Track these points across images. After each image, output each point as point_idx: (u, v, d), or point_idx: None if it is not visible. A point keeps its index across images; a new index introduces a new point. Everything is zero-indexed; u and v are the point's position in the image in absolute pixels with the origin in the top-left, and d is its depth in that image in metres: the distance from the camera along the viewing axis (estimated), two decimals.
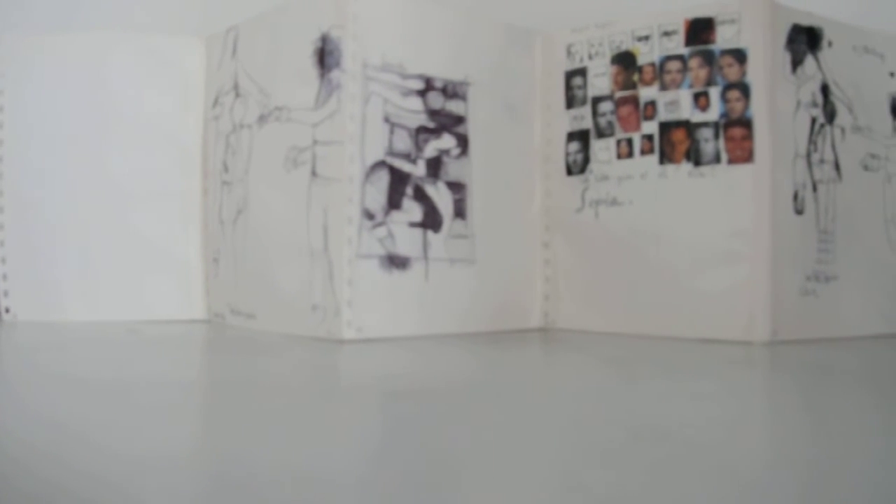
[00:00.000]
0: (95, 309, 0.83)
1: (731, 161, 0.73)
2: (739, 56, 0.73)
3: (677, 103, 0.76)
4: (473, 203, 0.79)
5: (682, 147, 0.76)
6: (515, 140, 0.83)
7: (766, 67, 0.73)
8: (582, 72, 0.82)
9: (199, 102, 0.86)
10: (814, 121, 0.77)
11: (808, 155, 0.76)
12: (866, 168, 0.81)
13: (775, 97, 0.73)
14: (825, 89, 0.77)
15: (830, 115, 0.78)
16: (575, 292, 0.82)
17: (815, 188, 0.76)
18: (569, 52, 0.83)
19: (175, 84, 0.86)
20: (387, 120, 0.73)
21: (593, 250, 0.81)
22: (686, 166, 0.75)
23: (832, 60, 0.78)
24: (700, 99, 0.75)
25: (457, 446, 0.36)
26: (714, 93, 0.74)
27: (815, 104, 0.77)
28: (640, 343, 0.74)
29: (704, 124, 0.74)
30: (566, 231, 0.83)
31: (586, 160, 0.81)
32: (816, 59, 0.77)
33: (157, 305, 0.85)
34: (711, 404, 0.47)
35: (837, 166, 0.78)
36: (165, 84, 0.85)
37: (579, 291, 0.82)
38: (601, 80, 0.80)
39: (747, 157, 0.73)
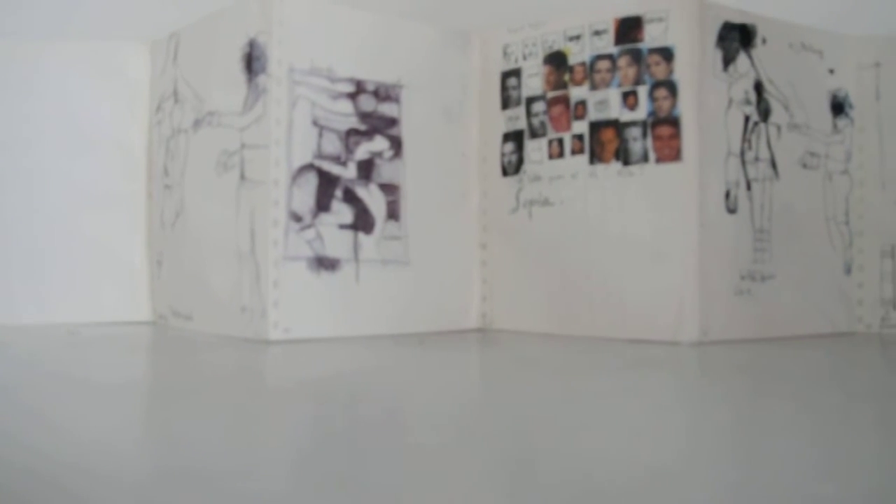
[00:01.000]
0: (45, 311, 0.85)
1: (659, 160, 0.73)
2: (666, 54, 0.73)
3: (606, 102, 0.76)
4: (407, 204, 0.79)
5: (612, 146, 0.75)
6: (451, 141, 0.83)
7: (693, 65, 0.72)
8: (517, 72, 0.82)
9: (145, 108, 0.87)
10: (747, 119, 0.76)
11: (742, 153, 0.76)
12: (805, 166, 0.80)
13: (704, 95, 0.73)
14: (759, 87, 0.77)
15: (765, 112, 0.77)
16: (511, 293, 0.82)
17: (749, 186, 0.76)
18: (505, 53, 0.83)
19: (121, 90, 0.87)
20: (315, 123, 0.74)
21: (528, 251, 0.81)
22: (615, 166, 0.75)
23: (766, 58, 0.77)
24: (629, 98, 0.74)
25: (343, 444, 0.37)
26: (642, 91, 0.74)
27: (748, 102, 0.76)
28: (570, 343, 0.73)
29: (633, 123, 0.74)
30: (502, 232, 0.83)
31: (521, 161, 0.81)
32: (749, 57, 0.76)
33: (105, 307, 0.86)
34: (578, 406, 0.47)
35: (773, 164, 0.78)
36: (112, 90, 0.87)
37: (515, 292, 0.82)
38: (534, 80, 0.80)
39: (675, 155, 0.72)
